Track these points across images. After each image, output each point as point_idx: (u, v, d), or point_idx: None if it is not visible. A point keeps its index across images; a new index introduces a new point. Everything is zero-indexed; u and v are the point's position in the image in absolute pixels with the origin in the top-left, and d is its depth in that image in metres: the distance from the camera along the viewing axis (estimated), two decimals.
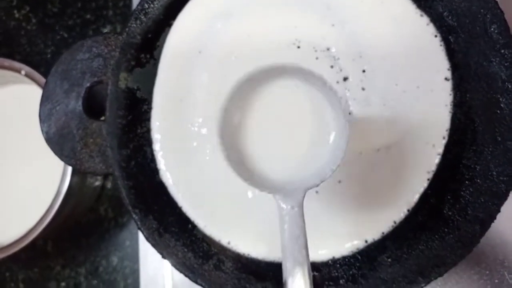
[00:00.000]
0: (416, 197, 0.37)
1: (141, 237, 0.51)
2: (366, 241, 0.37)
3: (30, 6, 0.70)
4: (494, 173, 0.35)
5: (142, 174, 0.40)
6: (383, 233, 0.37)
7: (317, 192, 0.38)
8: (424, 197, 0.37)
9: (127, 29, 0.40)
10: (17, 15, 0.70)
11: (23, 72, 0.55)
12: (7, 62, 0.56)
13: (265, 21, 0.40)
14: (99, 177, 0.61)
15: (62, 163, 0.51)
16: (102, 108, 0.40)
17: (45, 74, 0.57)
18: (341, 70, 0.39)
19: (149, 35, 0.41)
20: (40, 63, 0.68)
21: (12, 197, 0.57)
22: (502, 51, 0.36)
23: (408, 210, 0.37)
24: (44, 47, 0.69)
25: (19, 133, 0.58)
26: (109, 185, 0.63)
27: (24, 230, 0.51)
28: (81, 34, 0.68)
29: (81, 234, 0.62)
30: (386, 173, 0.37)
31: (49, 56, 0.69)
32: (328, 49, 0.39)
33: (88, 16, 0.69)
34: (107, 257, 0.61)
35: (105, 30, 0.68)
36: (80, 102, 0.40)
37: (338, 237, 0.37)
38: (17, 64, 0.56)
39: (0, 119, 0.59)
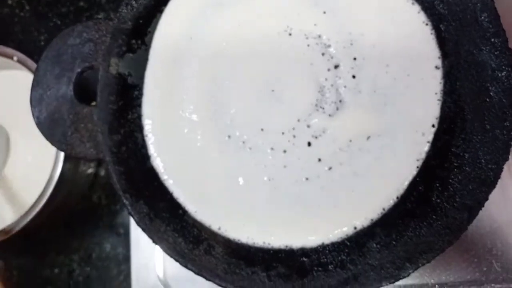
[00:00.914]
0: (405, 184, 0.37)
1: (132, 223, 0.51)
2: (355, 228, 0.37)
3: None
4: (483, 161, 0.35)
5: (133, 160, 0.40)
6: (372, 220, 0.37)
7: (307, 178, 0.38)
8: (413, 184, 0.37)
9: (118, 15, 0.40)
10: (10, 2, 0.70)
11: (15, 58, 0.55)
12: (0, 48, 0.56)
13: (257, 8, 0.41)
14: (92, 165, 0.61)
15: (54, 150, 0.51)
16: (93, 94, 0.40)
17: (38, 61, 0.57)
18: (332, 58, 0.39)
19: (140, 21, 0.41)
20: (33, 50, 0.67)
21: (4, 183, 0.57)
22: (492, 39, 0.36)
23: (397, 197, 0.37)
24: (38, 34, 0.69)
25: (11, 118, 0.58)
26: (102, 172, 0.63)
27: (16, 216, 0.52)
28: (74, 21, 0.68)
29: (74, 221, 0.63)
30: (375, 161, 0.37)
31: (42, 43, 0.68)
32: (319, 36, 0.39)
33: (82, 4, 0.68)
34: (100, 244, 0.62)
35: (99, 17, 0.68)
36: (71, 87, 0.40)
37: (327, 223, 0.38)
38: (9, 50, 0.56)
39: None
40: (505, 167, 0.35)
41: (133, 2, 0.41)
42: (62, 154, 0.52)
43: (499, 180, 0.35)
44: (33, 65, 0.55)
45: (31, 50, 0.68)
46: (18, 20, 0.69)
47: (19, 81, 0.58)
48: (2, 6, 0.70)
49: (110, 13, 0.67)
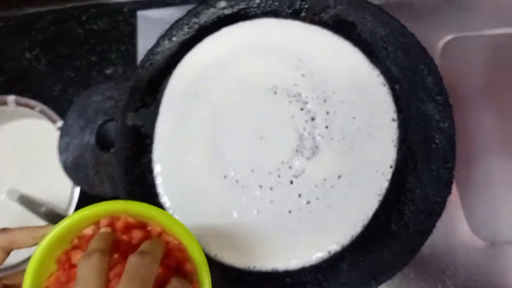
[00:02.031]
0: (369, 215, 0.44)
1: None
2: (329, 252, 0.44)
3: (41, 48, 0.79)
4: (431, 195, 0.43)
5: (144, 197, 0.47)
6: (343, 245, 0.44)
7: (290, 211, 0.46)
8: (376, 215, 0.44)
9: (134, 76, 0.49)
10: (28, 56, 0.78)
11: (37, 109, 0.63)
12: (24, 100, 0.64)
13: (249, 70, 0.49)
14: None
15: (69, 190, 0.58)
16: (112, 142, 0.48)
17: (53, 109, 0.65)
18: (309, 112, 0.47)
19: (153, 81, 0.49)
20: (48, 99, 0.75)
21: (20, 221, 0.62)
22: (436, 97, 0.45)
23: (363, 226, 0.44)
24: (53, 85, 0.76)
25: (32, 161, 0.65)
26: None
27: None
28: (86, 74, 0.76)
29: None
30: (345, 196, 0.45)
31: (56, 93, 0.76)
32: (299, 94, 0.48)
33: (93, 58, 0.77)
34: None
35: (108, 71, 0.76)
36: (93, 137, 0.48)
37: (307, 249, 0.45)
38: (32, 102, 0.64)
39: (15, 147, 0.66)
40: (452, 199, 0.43)
41: (148, 66, 0.49)
42: (76, 197, 0.58)
43: (447, 210, 0.43)
44: (53, 115, 0.62)
45: (46, 99, 0.76)
46: (35, 72, 0.77)
47: (39, 127, 0.65)
48: (21, 59, 0.78)
49: (118, 67, 0.76)
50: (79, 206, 0.58)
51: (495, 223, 0.49)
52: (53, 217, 0.60)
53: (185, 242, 0.37)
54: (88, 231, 0.38)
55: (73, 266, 0.36)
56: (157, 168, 0.48)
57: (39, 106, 0.63)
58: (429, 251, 0.42)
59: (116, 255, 0.35)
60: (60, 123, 0.61)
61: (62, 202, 0.60)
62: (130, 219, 0.38)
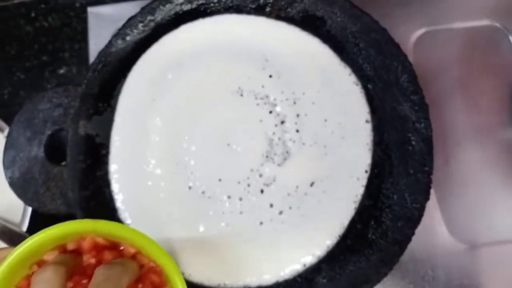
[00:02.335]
0: (345, 223, 0.42)
1: None
2: (304, 265, 0.42)
3: None
4: (408, 201, 0.41)
5: (102, 213, 0.42)
6: (319, 256, 0.42)
7: (261, 222, 0.43)
8: (352, 223, 0.42)
9: (85, 81, 0.44)
10: None
11: None
12: None
13: (212, 71, 0.46)
14: None
15: (22, 205, 0.53)
16: (63, 154, 0.44)
17: (2, 115, 0.60)
18: (278, 115, 0.44)
19: (106, 86, 0.45)
20: None
21: None
22: (412, 97, 0.42)
23: (340, 236, 0.42)
24: (1, 88, 0.71)
25: None
26: None
27: None
28: (38, 75, 0.71)
29: None
30: (319, 203, 0.42)
31: (6, 96, 0.71)
32: (267, 96, 0.45)
33: (45, 58, 0.71)
34: None
35: (61, 71, 0.71)
36: (42, 149, 0.44)
37: (280, 262, 0.42)
38: None
39: None
40: (430, 201, 0.41)
41: (99, 69, 0.45)
42: (29, 210, 0.54)
43: (425, 213, 0.41)
44: (0, 122, 0.57)
45: None
46: None
47: None
48: None
49: (72, 67, 0.71)
50: (33, 220, 0.54)
51: (474, 225, 0.48)
52: (5, 233, 0.56)
53: (163, 264, 0.35)
54: (51, 257, 0.35)
55: None
56: (114, 181, 0.44)
57: None
58: (407, 256, 0.40)
59: (84, 281, 0.33)
60: (7, 131, 0.56)
61: (15, 216, 0.55)
62: (99, 239, 0.35)
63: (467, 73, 0.51)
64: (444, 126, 0.49)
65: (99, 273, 0.31)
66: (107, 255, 0.35)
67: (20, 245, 0.33)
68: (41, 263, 0.35)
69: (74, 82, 0.69)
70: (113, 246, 0.36)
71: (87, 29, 0.62)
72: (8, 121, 0.61)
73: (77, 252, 0.36)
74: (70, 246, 0.35)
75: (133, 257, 0.36)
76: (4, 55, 0.72)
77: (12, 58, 0.72)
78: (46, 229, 0.34)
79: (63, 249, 0.36)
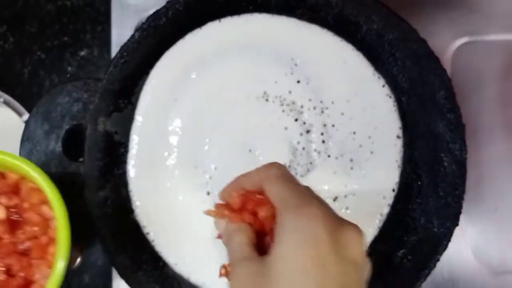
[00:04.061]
0: (367, 242, 0.41)
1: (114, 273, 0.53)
2: None
3: (8, 25, 0.71)
4: (436, 224, 0.39)
5: (117, 214, 0.42)
6: None
7: None
8: (374, 243, 0.41)
9: (106, 76, 0.43)
10: None
11: (1, 100, 0.57)
12: None
13: (238, 72, 0.44)
14: None
15: None
16: (81, 150, 0.42)
17: (21, 95, 0.59)
18: (304, 123, 0.42)
19: (127, 82, 0.43)
20: (16, 84, 0.69)
21: None
22: (448, 115, 0.40)
23: None
24: (21, 67, 0.70)
25: None
26: None
27: None
28: (58, 56, 0.70)
29: None
30: None
31: (25, 76, 0.69)
32: (293, 103, 0.43)
33: (66, 39, 0.70)
34: (78, 275, 0.63)
35: (82, 53, 0.69)
36: (59, 144, 0.43)
37: None
38: None
39: None
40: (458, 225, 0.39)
41: (121, 65, 0.43)
42: None
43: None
44: (19, 107, 0.56)
45: (14, 83, 0.69)
46: (2, 51, 0.70)
47: (5, 120, 0.59)
48: None
49: (94, 49, 0.69)
50: None
51: (501, 251, 0.46)
52: None
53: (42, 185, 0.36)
54: None
55: None
56: (132, 181, 0.43)
57: (3, 96, 0.57)
58: (428, 276, 0.38)
59: None
60: (26, 116, 0.55)
61: None
62: None
63: (509, 91, 0.48)
64: (479, 145, 0.47)
65: None
66: None
67: None
68: None
69: (96, 65, 0.68)
70: None
71: (110, 12, 0.60)
72: (26, 102, 0.60)
73: None
74: None
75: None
76: (25, 34, 0.70)
77: (32, 37, 0.70)
78: None
79: None
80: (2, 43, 0.70)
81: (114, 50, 0.51)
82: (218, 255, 0.41)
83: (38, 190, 0.38)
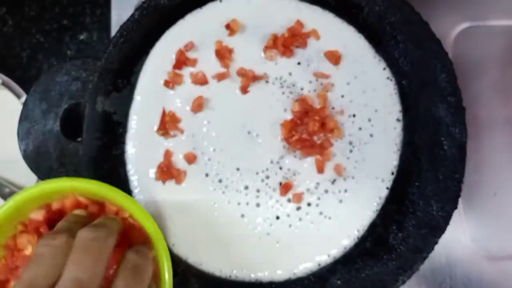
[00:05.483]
0: (365, 225, 0.40)
1: None
2: (319, 264, 0.40)
3: (7, 8, 0.71)
4: (435, 208, 0.39)
5: None
6: (335, 257, 0.40)
7: (277, 217, 0.41)
8: (373, 226, 0.40)
9: (105, 55, 0.42)
10: None
11: (0, 81, 0.56)
12: None
13: (237, 52, 0.43)
14: None
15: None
16: (79, 130, 0.42)
17: (19, 78, 0.59)
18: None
19: (127, 62, 0.43)
20: (15, 66, 0.68)
21: None
22: (449, 98, 0.40)
23: (358, 238, 0.40)
24: (20, 50, 0.69)
25: None
26: None
27: None
28: (57, 39, 0.69)
29: None
30: (340, 203, 0.41)
31: (24, 59, 0.69)
32: (293, 85, 0.42)
33: (65, 22, 0.69)
34: None
35: (82, 37, 0.69)
36: (57, 123, 0.42)
37: (294, 259, 0.41)
38: None
39: None
40: (456, 211, 0.39)
41: (121, 44, 0.43)
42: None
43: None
44: (17, 88, 0.56)
45: (13, 65, 0.69)
46: (0, 34, 0.70)
47: (4, 102, 0.59)
48: None
49: (93, 33, 0.69)
50: None
51: (499, 236, 0.46)
52: None
53: (139, 219, 0.35)
54: (38, 216, 0.36)
55: (19, 251, 0.35)
56: (130, 161, 0.43)
57: (2, 77, 0.57)
58: (426, 261, 0.38)
59: None
60: (24, 98, 0.55)
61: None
62: (81, 199, 0.36)
63: (510, 76, 0.48)
64: (479, 130, 0.46)
65: (82, 236, 0.30)
66: (92, 208, 0.36)
67: (3, 204, 0.34)
68: (27, 223, 0.36)
69: (95, 49, 0.67)
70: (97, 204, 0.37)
71: None
72: (25, 85, 0.60)
73: (62, 211, 0.36)
74: (55, 205, 0.36)
75: (116, 213, 0.36)
76: (24, 16, 0.70)
77: (31, 20, 0.70)
78: (27, 187, 0.35)
79: (48, 208, 0.36)
80: (1, 25, 0.70)
81: (114, 32, 0.51)
82: (214, 236, 0.41)
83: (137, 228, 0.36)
